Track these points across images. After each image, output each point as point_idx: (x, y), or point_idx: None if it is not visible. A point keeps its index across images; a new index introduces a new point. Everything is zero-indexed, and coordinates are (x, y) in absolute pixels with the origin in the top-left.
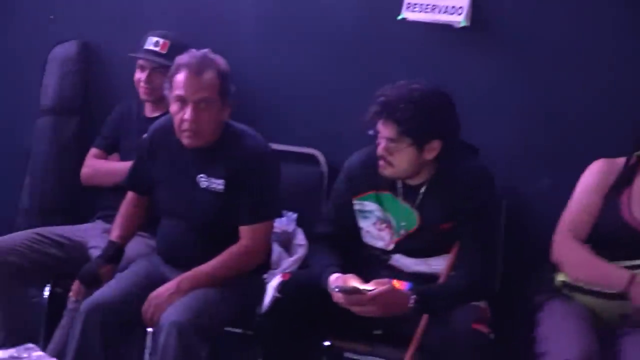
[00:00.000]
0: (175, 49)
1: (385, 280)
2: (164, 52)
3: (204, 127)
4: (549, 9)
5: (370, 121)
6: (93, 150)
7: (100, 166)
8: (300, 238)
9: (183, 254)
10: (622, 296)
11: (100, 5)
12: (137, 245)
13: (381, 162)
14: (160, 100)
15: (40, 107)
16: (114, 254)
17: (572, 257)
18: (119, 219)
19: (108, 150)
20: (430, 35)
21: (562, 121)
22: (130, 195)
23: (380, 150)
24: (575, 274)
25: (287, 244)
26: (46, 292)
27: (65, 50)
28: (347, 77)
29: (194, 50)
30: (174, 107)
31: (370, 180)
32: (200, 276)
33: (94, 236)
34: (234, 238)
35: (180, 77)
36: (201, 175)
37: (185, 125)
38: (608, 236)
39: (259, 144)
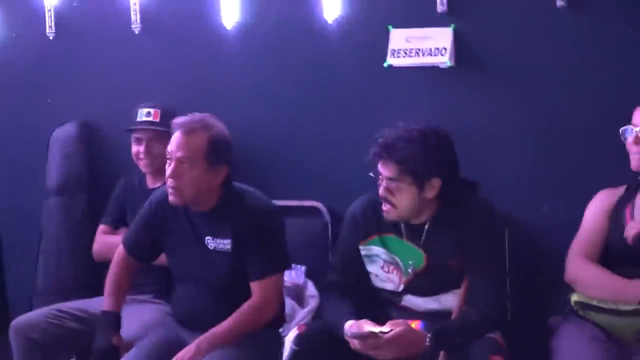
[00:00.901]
0: (167, 116)
1: (400, 321)
2: (157, 120)
3: (184, 185)
4: (532, 37)
5: (370, 163)
6: (101, 227)
7: (110, 241)
8: (311, 289)
9: (199, 315)
10: (637, 312)
11: (96, 85)
12: (153, 313)
13: (384, 206)
14: (161, 170)
15: (46, 188)
16: (116, 324)
17: (585, 275)
18: (111, 285)
19: (116, 226)
20: (420, 78)
21: (560, 148)
22: (122, 259)
23: (381, 192)
24: (590, 291)
25: (299, 297)
26: None
27: (65, 131)
28: (341, 127)
29: (196, 114)
30: (167, 165)
31: (373, 224)
32: (217, 336)
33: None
34: (248, 295)
35: (173, 136)
36: (208, 237)
37: (168, 182)
38: (616, 254)
39: (262, 201)
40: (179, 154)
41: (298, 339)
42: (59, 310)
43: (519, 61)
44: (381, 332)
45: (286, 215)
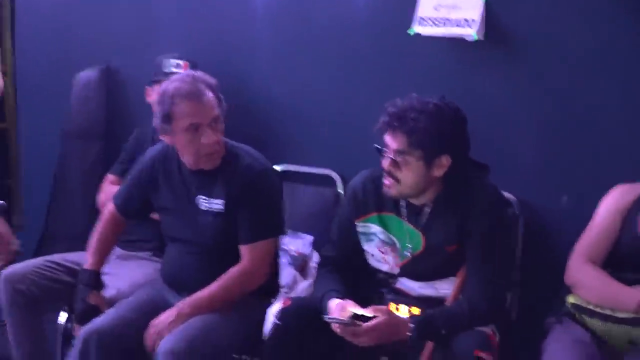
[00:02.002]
0: (194, 69)
1: (384, 308)
2: None
3: (221, 143)
4: (567, 19)
5: (378, 132)
6: (109, 177)
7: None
8: (317, 261)
9: (187, 278)
10: (632, 321)
11: (120, 31)
12: (147, 271)
13: (386, 180)
14: None
15: (64, 132)
16: (94, 282)
17: (584, 278)
18: (96, 242)
19: (124, 176)
20: (444, 50)
21: (583, 137)
22: (110, 215)
23: (386, 165)
24: (587, 294)
25: (303, 267)
26: (61, 319)
27: (87, 76)
28: (360, 95)
29: (176, 77)
30: (185, 138)
31: (373, 201)
32: (200, 301)
33: (107, 261)
34: (239, 260)
35: (183, 107)
36: (201, 197)
37: (207, 149)
38: (625, 257)
39: (258, 161)
40: (209, 118)
41: (281, 314)
42: (52, 262)
43: (551, 42)
44: (363, 315)
45: (298, 182)
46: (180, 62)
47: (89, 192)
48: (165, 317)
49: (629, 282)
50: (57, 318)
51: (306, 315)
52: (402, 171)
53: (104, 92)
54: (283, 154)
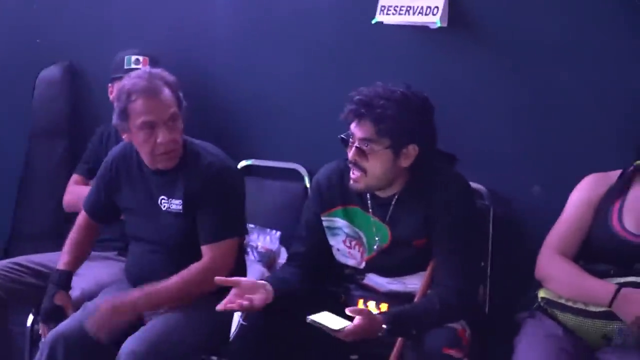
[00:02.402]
0: (155, 63)
1: (363, 310)
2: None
3: (178, 143)
4: (532, 3)
5: (344, 121)
6: (74, 177)
7: (81, 192)
8: (285, 257)
9: (151, 277)
10: (605, 315)
11: (83, 27)
12: (113, 271)
13: (353, 173)
14: None
15: (29, 131)
16: (65, 282)
17: (556, 272)
18: (69, 245)
19: (89, 176)
20: (408, 38)
21: (554, 124)
22: (83, 220)
23: (352, 155)
24: (559, 288)
25: (271, 264)
26: (29, 322)
27: (50, 73)
28: (325, 86)
29: (134, 73)
30: (140, 136)
31: (338, 194)
32: (156, 294)
33: (80, 264)
34: (198, 256)
35: (139, 104)
36: (162, 197)
37: (162, 149)
38: (598, 249)
39: (218, 159)
40: (165, 115)
41: (247, 314)
42: (17, 264)
43: (517, 28)
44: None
45: (264, 176)
46: (140, 57)
47: (55, 192)
48: (118, 304)
49: (602, 275)
50: (24, 320)
51: (272, 315)
52: (368, 161)
53: (67, 90)
54: (248, 148)
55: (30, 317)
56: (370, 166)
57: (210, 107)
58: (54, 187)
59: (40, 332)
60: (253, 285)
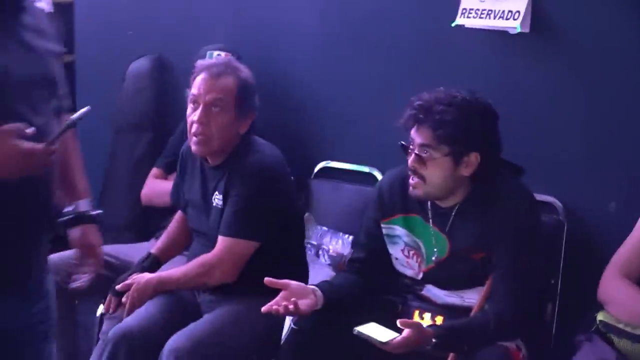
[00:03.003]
0: (237, 60)
1: (412, 322)
2: None
3: (214, 132)
4: (618, 12)
5: (404, 127)
6: (153, 171)
7: (158, 187)
8: None
9: None
10: None
11: (174, 19)
12: (176, 264)
13: (412, 179)
14: None
15: (116, 124)
16: (149, 265)
17: (617, 294)
18: (164, 233)
19: (169, 170)
20: (487, 42)
21: (635, 138)
22: (178, 213)
23: (411, 162)
24: (619, 312)
25: (342, 268)
26: (98, 312)
27: (139, 66)
28: (403, 89)
29: (221, 56)
30: (188, 111)
31: (399, 202)
32: (166, 281)
33: (172, 256)
34: (256, 256)
35: (198, 78)
36: (215, 192)
37: (195, 128)
38: None
39: (264, 160)
40: (209, 97)
41: (298, 319)
42: None
43: (600, 36)
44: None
45: (339, 179)
46: (222, 53)
47: (137, 185)
48: (134, 286)
49: None
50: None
51: (325, 320)
52: (427, 168)
53: (155, 83)
54: (324, 150)
55: (101, 308)
56: (429, 174)
57: (288, 108)
58: (136, 180)
59: (104, 304)
60: (302, 290)
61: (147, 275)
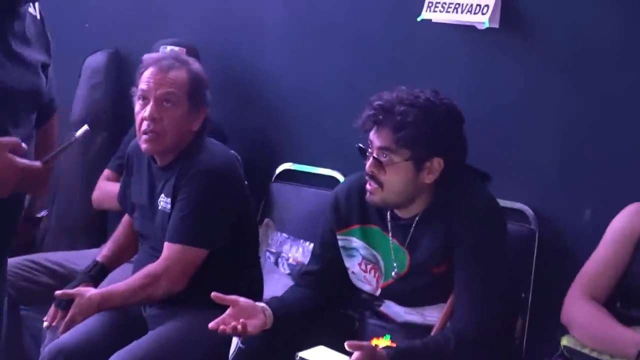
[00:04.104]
0: (192, 55)
1: (364, 344)
2: None
3: (167, 128)
4: (592, 4)
5: (362, 128)
6: (105, 172)
7: (110, 189)
8: None
9: None
10: None
11: (130, 11)
12: (124, 273)
13: (369, 185)
14: None
15: (70, 121)
16: (95, 274)
17: (581, 317)
18: (110, 239)
19: (121, 172)
20: (455, 38)
21: (612, 141)
22: (125, 215)
23: (369, 167)
24: (583, 336)
25: None
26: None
27: (95, 60)
28: (369, 89)
29: (170, 50)
30: (136, 108)
31: (356, 211)
32: (110, 296)
33: (119, 262)
34: (206, 265)
35: (146, 73)
36: (162, 194)
37: (145, 125)
38: (634, 291)
39: (212, 161)
40: (160, 92)
41: (246, 338)
42: (33, 262)
43: (575, 31)
44: None
45: (301, 182)
46: (177, 48)
47: (91, 186)
48: (75, 306)
49: (635, 322)
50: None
51: (273, 340)
52: (386, 173)
53: (111, 79)
54: (285, 152)
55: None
56: (388, 180)
57: (248, 108)
58: (90, 182)
59: (46, 317)
60: (251, 308)
61: (90, 290)
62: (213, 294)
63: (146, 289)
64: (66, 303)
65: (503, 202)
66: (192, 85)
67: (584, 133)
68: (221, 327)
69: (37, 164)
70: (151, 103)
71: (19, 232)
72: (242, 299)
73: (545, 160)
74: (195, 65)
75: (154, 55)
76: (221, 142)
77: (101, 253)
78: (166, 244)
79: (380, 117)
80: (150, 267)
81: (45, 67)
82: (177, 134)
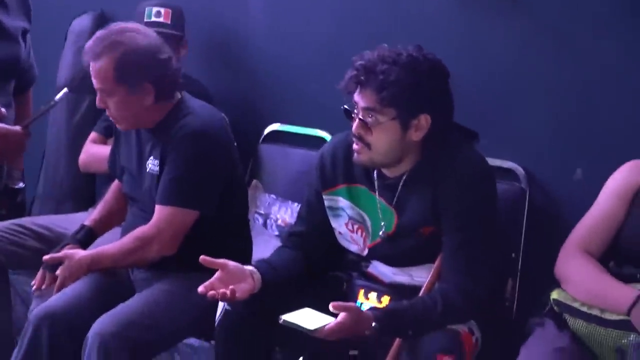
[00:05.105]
0: (178, 17)
1: (349, 305)
2: (168, 22)
3: (116, 115)
4: None
5: (346, 89)
6: (92, 135)
7: (96, 152)
8: None
9: None
10: (622, 324)
11: None
12: (113, 237)
13: (355, 145)
14: None
15: (56, 85)
16: (83, 238)
17: (574, 271)
18: (100, 203)
19: (108, 134)
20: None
21: (604, 101)
22: (116, 181)
23: (355, 128)
24: (575, 291)
25: None
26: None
27: (80, 23)
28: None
29: (106, 30)
30: None
31: (342, 171)
32: (101, 258)
33: (108, 226)
34: (195, 227)
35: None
36: (150, 157)
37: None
38: (627, 249)
39: (198, 122)
40: (96, 84)
41: None
42: (20, 226)
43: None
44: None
45: (289, 143)
46: (162, 10)
47: (77, 151)
48: (64, 269)
49: (627, 279)
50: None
51: (261, 303)
52: (372, 134)
53: None
54: (273, 113)
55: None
56: (375, 140)
57: (235, 69)
58: (76, 146)
59: (34, 281)
60: (240, 272)
61: (79, 252)
62: (202, 257)
63: (137, 252)
64: (53, 266)
65: (493, 161)
66: (118, 69)
67: (576, 93)
68: (210, 292)
69: (17, 128)
70: (97, 95)
71: None
72: (230, 263)
73: (536, 119)
74: (129, 43)
75: (88, 43)
76: (207, 102)
77: (90, 217)
78: (157, 207)
79: (363, 77)
80: (141, 230)
81: (25, 33)
82: (132, 117)
